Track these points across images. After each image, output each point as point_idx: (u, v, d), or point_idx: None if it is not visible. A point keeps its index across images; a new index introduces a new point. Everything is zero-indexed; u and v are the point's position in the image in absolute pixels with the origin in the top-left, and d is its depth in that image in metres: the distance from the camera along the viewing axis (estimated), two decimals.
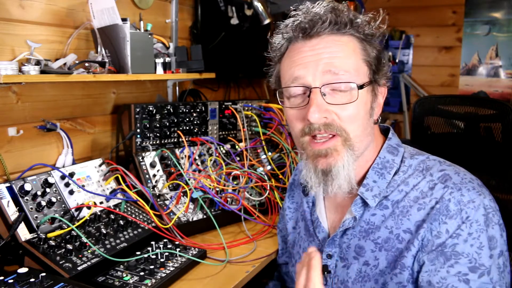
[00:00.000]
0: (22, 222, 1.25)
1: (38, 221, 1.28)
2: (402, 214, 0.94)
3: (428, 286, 0.87)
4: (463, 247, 0.86)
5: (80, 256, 1.23)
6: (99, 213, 1.42)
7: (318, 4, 0.96)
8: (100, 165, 1.57)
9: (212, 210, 1.64)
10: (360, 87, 0.92)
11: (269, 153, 2.02)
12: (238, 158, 1.90)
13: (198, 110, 1.89)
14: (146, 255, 1.31)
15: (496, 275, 0.85)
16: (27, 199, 1.29)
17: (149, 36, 1.66)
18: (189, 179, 1.65)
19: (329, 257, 1.03)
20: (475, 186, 0.91)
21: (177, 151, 1.79)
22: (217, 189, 1.69)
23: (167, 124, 1.79)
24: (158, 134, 1.76)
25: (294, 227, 1.23)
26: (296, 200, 1.26)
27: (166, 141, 1.79)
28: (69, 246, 1.23)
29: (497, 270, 0.86)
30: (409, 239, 0.91)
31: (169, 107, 1.79)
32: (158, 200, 1.59)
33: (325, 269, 1.03)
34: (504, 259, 0.89)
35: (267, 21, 2.31)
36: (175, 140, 1.82)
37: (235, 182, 1.76)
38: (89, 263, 1.22)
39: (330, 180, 0.94)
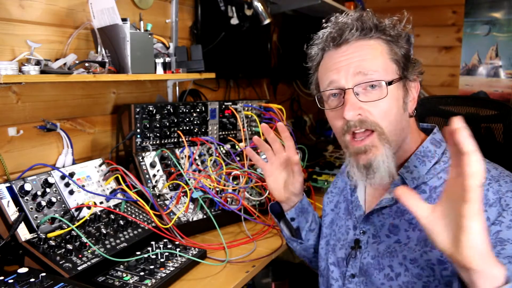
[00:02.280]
0: (22, 222, 1.25)
1: (38, 221, 1.28)
2: (439, 198, 0.97)
3: None
4: (507, 233, 0.88)
5: (80, 256, 1.23)
6: (99, 213, 1.42)
7: (345, 14, 1.05)
8: (100, 165, 1.57)
9: (212, 210, 1.64)
10: (389, 83, 0.99)
11: None
12: (238, 158, 1.90)
13: (198, 110, 1.89)
14: (146, 255, 1.30)
15: None
16: (27, 199, 1.29)
17: (149, 36, 1.66)
18: (189, 179, 1.64)
19: (363, 233, 1.12)
20: None
21: (177, 151, 1.79)
22: (217, 189, 1.69)
23: (167, 124, 1.78)
24: (158, 134, 1.76)
25: (332, 209, 1.31)
26: (338, 185, 1.34)
27: (166, 141, 1.79)
28: (69, 246, 1.22)
29: None
30: None
31: (169, 107, 1.79)
32: (158, 200, 1.59)
33: (356, 243, 1.11)
34: None
35: (267, 21, 2.31)
36: (175, 140, 1.82)
37: (235, 182, 1.76)
38: (89, 263, 1.21)
39: (372, 174, 1.01)
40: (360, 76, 0.99)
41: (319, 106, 1.09)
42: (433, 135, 1.09)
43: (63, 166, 1.56)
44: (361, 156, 1.01)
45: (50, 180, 1.36)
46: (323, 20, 1.10)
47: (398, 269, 1.01)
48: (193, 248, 1.41)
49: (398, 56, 1.02)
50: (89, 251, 1.26)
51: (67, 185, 1.42)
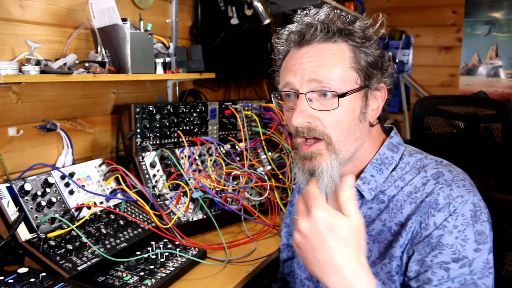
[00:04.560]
0: (22, 222, 1.25)
1: (38, 221, 1.28)
2: (396, 208, 0.98)
3: (415, 274, 0.91)
4: (447, 238, 0.89)
5: (80, 256, 1.23)
6: (99, 213, 1.42)
7: (312, 12, 1.00)
8: (100, 165, 1.57)
9: (212, 210, 1.65)
10: (342, 95, 0.94)
11: (269, 153, 2.02)
12: (238, 158, 1.90)
13: (198, 110, 1.89)
14: (146, 255, 1.31)
15: (479, 269, 0.87)
16: (27, 199, 1.29)
17: (149, 36, 1.66)
18: (189, 179, 1.65)
19: None
20: (466, 184, 0.94)
21: (177, 151, 1.79)
22: (217, 189, 1.69)
23: (167, 124, 1.79)
24: (158, 134, 1.76)
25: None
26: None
27: (166, 141, 1.79)
28: (69, 246, 1.23)
29: (482, 264, 0.88)
30: (398, 230, 0.96)
31: (169, 107, 1.79)
32: (158, 200, 1.59)
33: None
34: (491, 256, 0.91)
35: (267, 21, 2.31)
36: (175, 140, 1.82)
37: (235, 182, 1.76)
38: (89, 263, 1.22)
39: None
40: (315, 83, 0.94)
41: (277, 103, 1.05)
42: (390, 139, 1.05)
43: (63, 166, 1.56)
44: (307, 162, 0.98)
45: (50, 180, 1.36)
46: (289, 10, 1.04)
47: None
48: (193, 248, 1.41)
49: (361, 65, 0.96)
50: (89, 251, 1.26)
51: (67, 185, 1.42)
